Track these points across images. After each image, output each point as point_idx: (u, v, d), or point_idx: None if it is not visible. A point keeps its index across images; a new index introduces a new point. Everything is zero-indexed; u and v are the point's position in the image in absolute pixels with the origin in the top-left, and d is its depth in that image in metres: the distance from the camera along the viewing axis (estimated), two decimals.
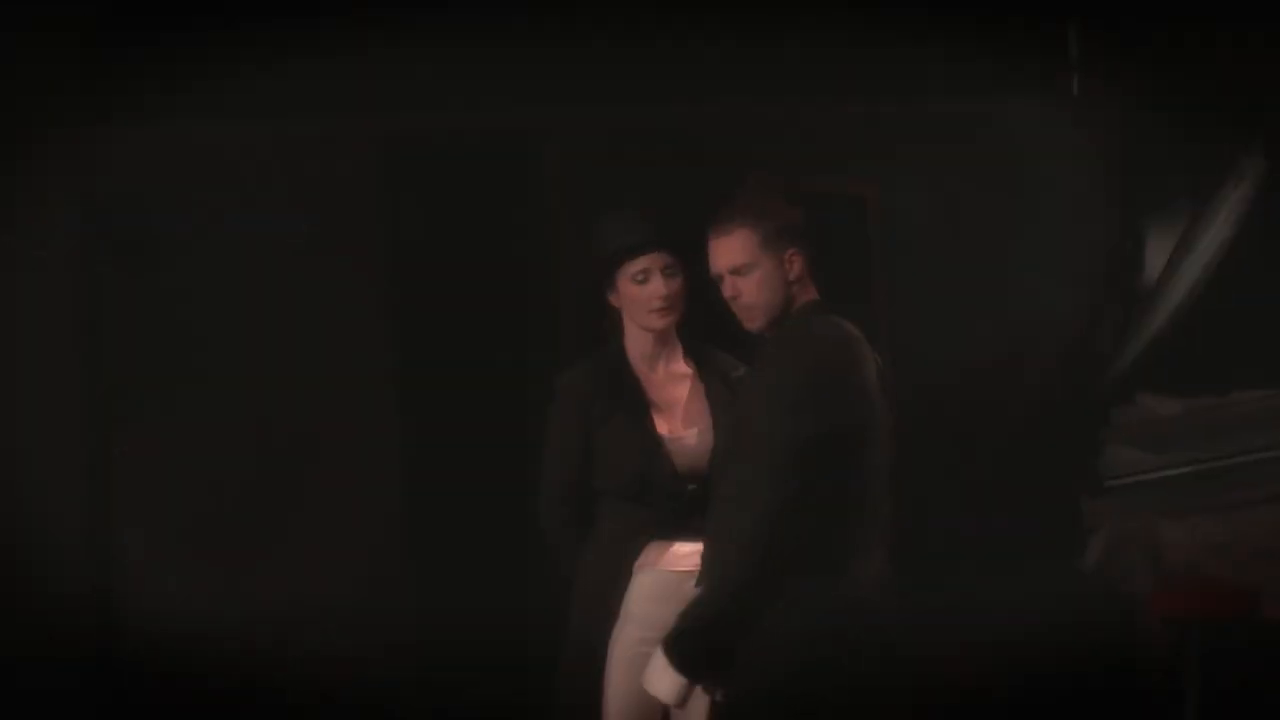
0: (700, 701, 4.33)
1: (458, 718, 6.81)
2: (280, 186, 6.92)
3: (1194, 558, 7.68)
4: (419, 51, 6.80)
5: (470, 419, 7.12)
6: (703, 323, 4.84)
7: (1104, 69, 7.46)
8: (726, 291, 4.43)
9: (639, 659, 4.54)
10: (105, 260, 6.85)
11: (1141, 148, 7.88)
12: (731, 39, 7.00)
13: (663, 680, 4.22)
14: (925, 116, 7.33)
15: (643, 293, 4.74)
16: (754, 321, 4.42)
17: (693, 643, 4.19)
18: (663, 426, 4.78)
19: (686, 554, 4.69)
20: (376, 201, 7.10)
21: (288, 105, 6.75)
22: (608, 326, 4.91)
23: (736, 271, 4.39)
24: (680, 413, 4.81)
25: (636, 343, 4.86)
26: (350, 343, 7.01)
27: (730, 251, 4.39)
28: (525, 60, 6.87)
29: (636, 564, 4.77)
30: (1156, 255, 8.00)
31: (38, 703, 6.59)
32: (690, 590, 4.46)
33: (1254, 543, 7.52)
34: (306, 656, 6.68)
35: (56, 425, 6.74)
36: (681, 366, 4.87)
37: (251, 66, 6.67)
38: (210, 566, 6.75)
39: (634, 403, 4.81)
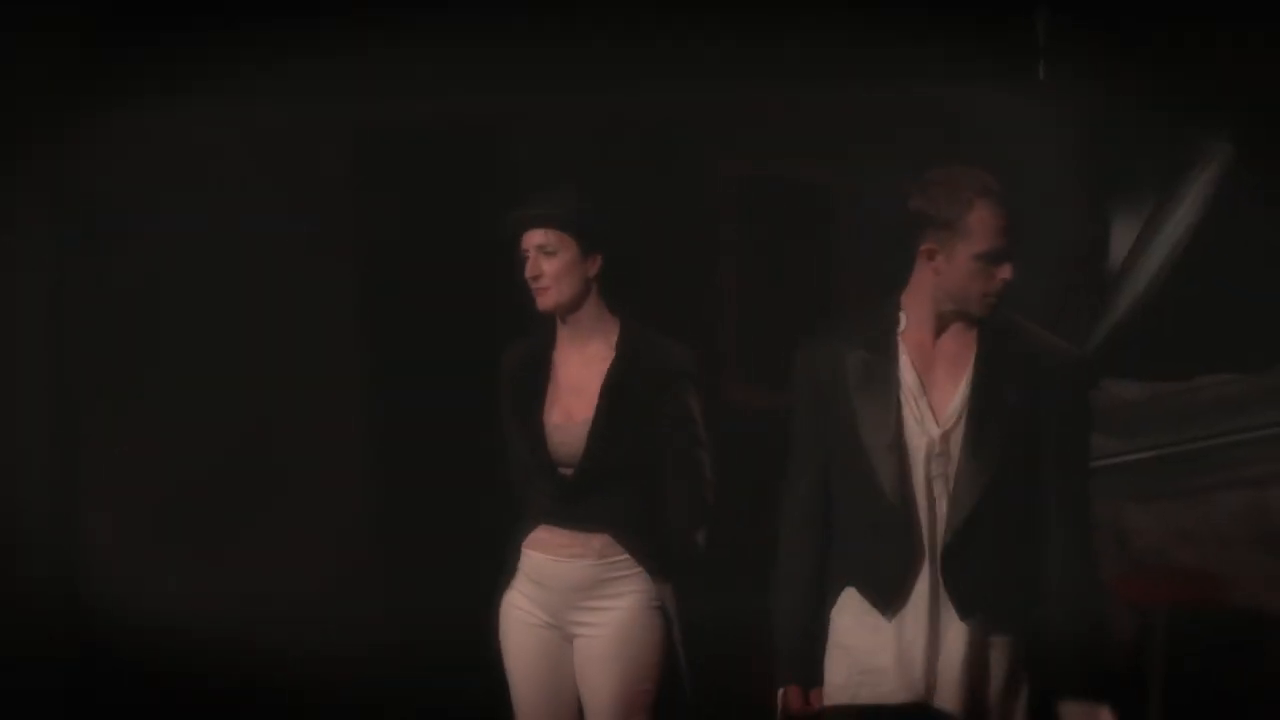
0: None
1: (427, 710, 6.79)
2: (249, 177, 6.88)
3: (1160, 543, 7.70)
4: (390, 40, 6.76)
5: (439, 409, 7.09)
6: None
7: (1071, 54, 7.44)
8: (1008, 275, 4.24)
9: (525, 628, 4.74)
10: (74, 250, 6.81)
11: (1109, 134, 7.88)
12: (698, 27, 6.97)
13: None
14: (891, 103, 7.31)
15: (526, 271, 4.71)
16: None
17: None
18: (559, 412, 4.73)
19: (561, 544, 4.68)
20: (347, 191, 7.06)
21: (257, 96, 6.70)
22: None
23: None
24: (586, 398, 4.75)
25: (562, 323, 4.82)
26: (320, 333, 6.99)
27: (1009, 228, 4.26)
28: (496, 49, 6.84)
29: (525, 543, 4.76)
30: (1123, 241, 8.01)
31: (4, 693, 6.56)
32: (563, 577, 4.62)
33: (1220, 528, 7.54)
34: (275, 648, 6.65)
35: (25, 417, 6.70)
36: (599, 350, 4.77)
37: (220, 58, 6.62)
38: (179, 558, 6.72)
39: (534, 386, 4.78)
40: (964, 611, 4.12)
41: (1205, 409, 7.69)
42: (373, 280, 7.12)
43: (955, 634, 4.12)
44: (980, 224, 4.12)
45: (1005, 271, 4.16)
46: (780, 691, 4.32)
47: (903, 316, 4.22)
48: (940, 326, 4.20)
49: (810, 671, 4.27)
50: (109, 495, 6.79)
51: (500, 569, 4.99)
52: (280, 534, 6.86)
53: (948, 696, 4.13)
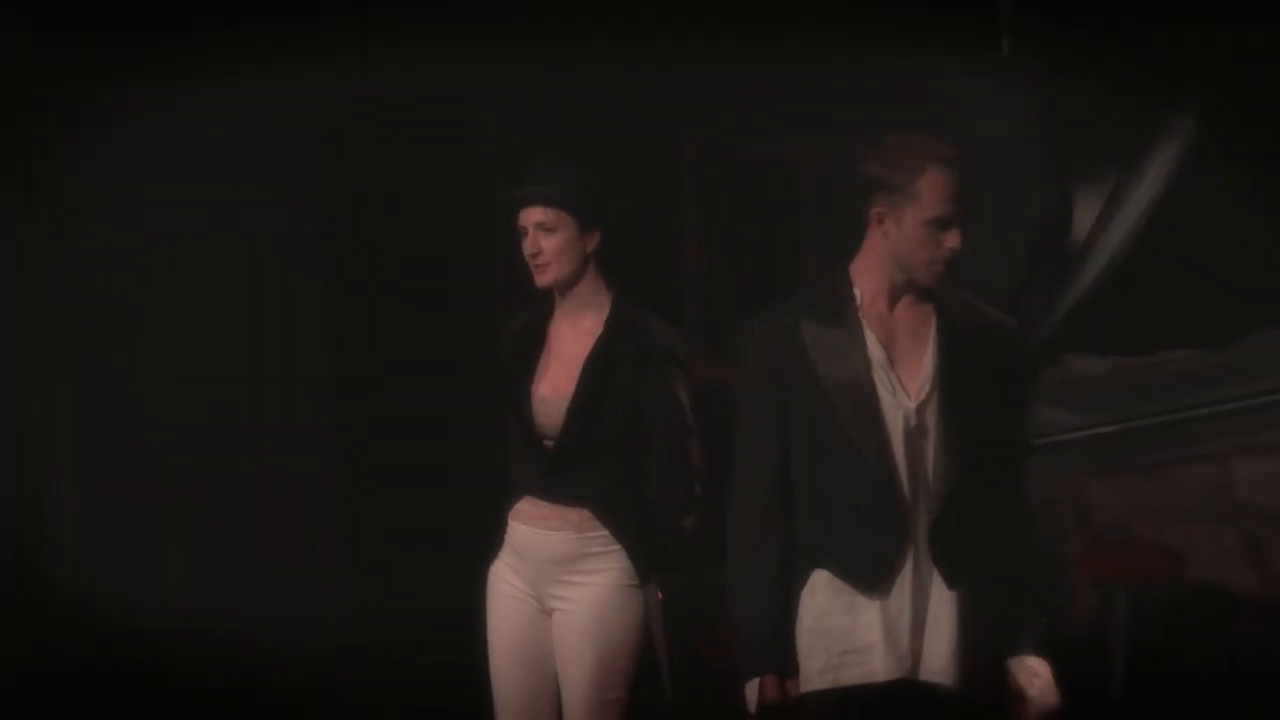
0: None
1: (392, 692, 6.79)
2: (216, 155, 6.85)
3: (1121, 518, 7.74)
4: (357, 16, 6.72)
5: (409, 389, 7.09)
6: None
7: (1034, 30, 7.44)
8: (955, 243, 4.18)
9: (507, 599, 4.74)
10: (40, 236, 6.77)
11: (1072, 109, 7.89)
12: (668, 4, 6.95)
13: None
14: (855, 80, 7.30)
15: (524, 249, 4.70)
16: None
17: None
18: (547, 385, 4.74)
19: (542, 515, 4.69)
20: (314, 169, 7.04)
21: (224, 72, 6.67)
22: None
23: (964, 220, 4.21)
24: (573, 372, 4.75)
25: (560, 298, 4.82)
26: (288, 313, 6.97)
27: (961, 195, 4.20)
28: (463, 24, 6.81)
29: (510, 514, 4.77)
30: (1086, 216, 8.03)
31: None
32: (542, 550, 4.64)
33: (1180, 503, 7.58)
34: (239, 630, 6.64)
35: None
36: (591, 325, 4.77)
37: (187, 34, 6.58)
38: (142, 539, 6.69)
39: (527, 357, 4.79)
40: (952, 581, 4.13)
41: (1167, 384, 7.73)
42: (341, 255, 7.10)
43: (943, 604, 4.14)
44: (931, 188, 4.10)
45: (953, 239, 4.12)
46: (754, 683, 4.25)
47: (857, 291, 4.21)
48: (894, 297, 4.19)
49: (784, 660, 4.22)
50: (75, 485, 6.76)
51: (475, 548, 4.98)
52: (249, 522, 6.84)
53: (935, 669, 4.15)
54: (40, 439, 6.78)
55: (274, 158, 6.93)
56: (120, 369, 6.79)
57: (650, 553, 4.63)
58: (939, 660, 4.14)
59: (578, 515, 4.65)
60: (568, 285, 4.70)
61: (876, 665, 4.14)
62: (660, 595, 4.67)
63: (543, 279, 4.70)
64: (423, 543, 7.05)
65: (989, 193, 7.66)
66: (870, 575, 4.14)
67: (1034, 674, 4.20)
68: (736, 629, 4.30)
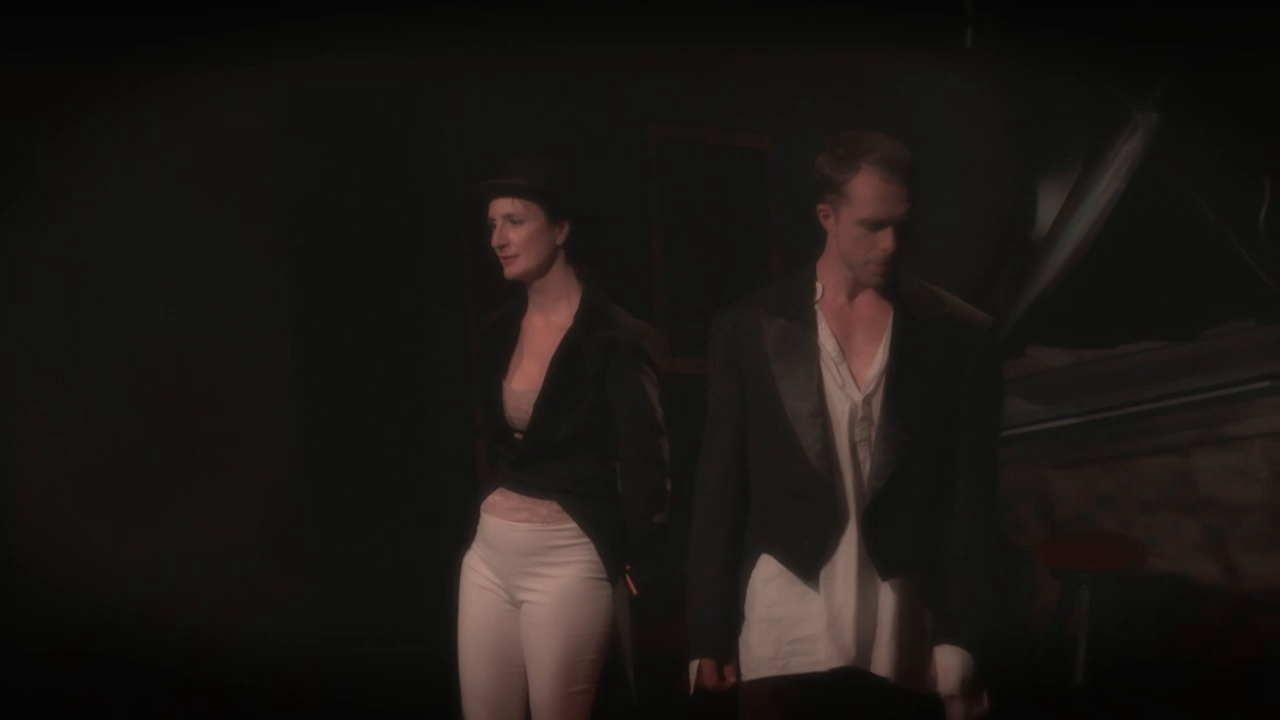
0: None
1: (358, 682, 6.78)
2: (173, 136, 6.82)
3: (1083, 509, 7.76)
4: (318, 2, 6.70)
5: (368, 369, 7.07)
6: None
7: (998, 23, 7.46)
8: (887, 246, 4.10)
9: (477, 590, 4.71)
10: None
11: (1036, 102, 7.91)
12: None
13: None
14: (820, 68, 7.31)
15: (493, 240, 4.69)
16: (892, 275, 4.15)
17: None
18: (519, 377, 4.73)
19: (512, 507, 4.69)
20: (271, 151, 7.01)
21: (182, 51, 6.63)
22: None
23: (903, 225, 4.09)
24: (542, 364, 4.74)
25: (532, 290, 4.81)
26: (246, 294, 6.94)
27: (903, 202, 4.07)
28: (426, 11, 6.79)
29: (483, 505, 4.77)
30: (1049, 208, 8.05)
31: None
32: (510, 542, 4.63)
33: (1142, 494, 7.60)
34: (202, 617, 6.62)
35: None
36: (563, 318, 4.75)
37: (142, 21, 6.54)
38: (103, 526, 6.67)
39: (500, 350, 4.78)
40: (886, 573, 4.15)
41: (1129, 376, 7.76)
42: (300, 237, 7.08)
43: (886, 596, 4.16)
44: (862, 189, 4.09)
45: (885, 241, 4.12)
46: (695, 664, 4.28)
47: (819, 285, 4.23)
48: (853, 292, 4.21)
49: (725, 644, 4.25)
50: (36, 473, 6.73)
51: (440, 538, 4.97)
52: (213, 511, 6.82)
53: (880, 660, 4.17)
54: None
55: (232, 146, 6.90)
56: (81, 356, 6.76)
57: (619, 547, 4.63)
58: (882, 652, 4.16)
59: (547, 508, 4.64)
60: (536, 276, 4.69)
61: (820, 655, 4.16)
62: (635, 591, 4.67)
63: (511, 270, 4.68)
64: (387, 533, 7.04)
65: (953, 185, 7.75)
66: (807, 563, 4.16)
67: (947, 670, 4.21)
68: (689, 611, 4.33)
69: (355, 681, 6.73)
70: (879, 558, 4.14)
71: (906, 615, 4.17)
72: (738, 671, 4.26)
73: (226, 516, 6.81)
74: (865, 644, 4.16)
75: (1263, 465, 7.36)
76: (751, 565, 4.25)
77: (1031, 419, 7.97)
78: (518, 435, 4.68)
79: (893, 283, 4.18)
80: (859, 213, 4.07)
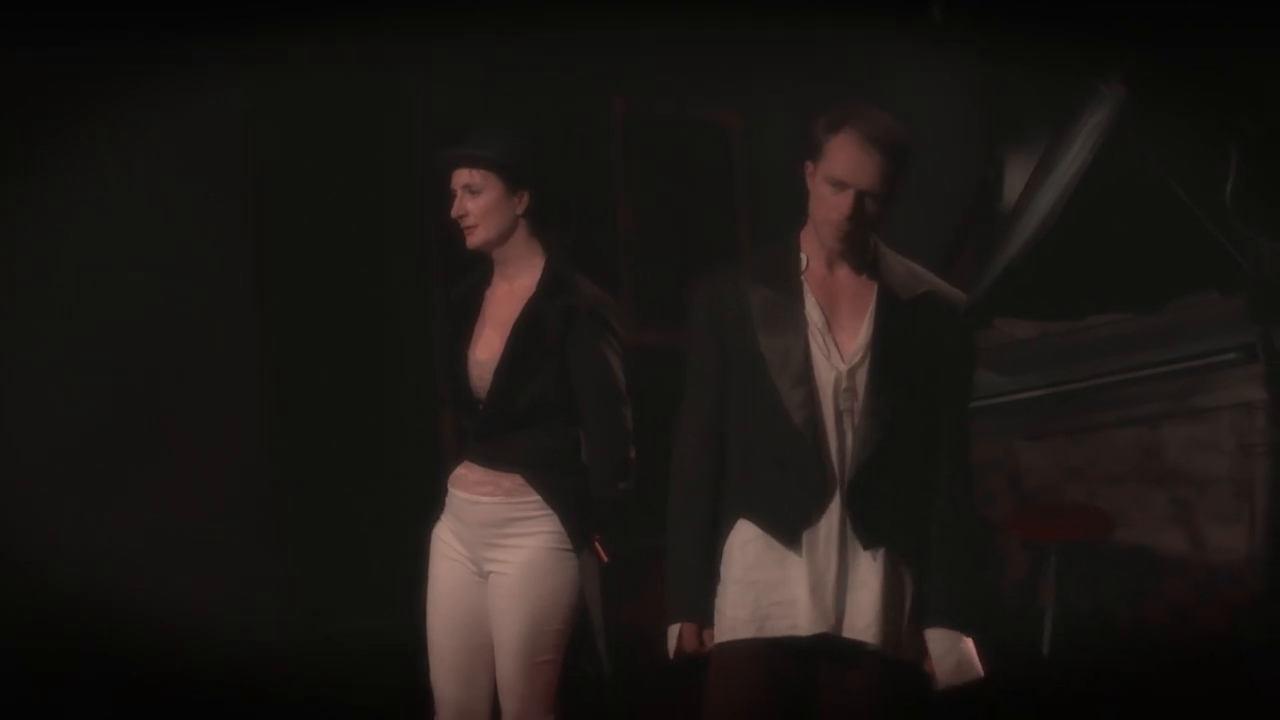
0: None
1: (322, 646, 6.79)
2: (137, 116, 6.80)
3: (1052, 480, 7.79)
4: None
5: (335, 345, 7.07)
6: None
7: None
8: (844, 208, 4.13)
9: (446, 561, 4.72)
10: None
11: (1003, 75, 7.93)
12: None
13: None
14: (787, 44, 7.32)
15: (452, 211, 4.70)
16: (852, 243, 4.15)
17: None
18: (482, 347, 4.74)
19: (477, 480, 4.70)
20: (237, 129, 7.00)
21: (151, 32, 6.61)
22: None
23: (871, 194, 4.10)
24: (505, 334, 4.75)
25: (496, 260, 4.81)
26: (212, 272, 6.92)
27: (874, 173, 4.10)
28: None
29: (451, 477, 4.78)
30: (1016, 181, 8.07)
31: None
32: (476, 514, 4.63)
33: (1110, 466, 7.63)
34: (167, 586, 6.62)
35: None
36: (526, 287, 4.72)
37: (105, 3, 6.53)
38: (70, 498, 6.65)
39: (464, 320, 4.79)
40: (868, 542, 4.18)
41: (1096, 348, 7.78)
42: (268, 217, 7.07)
43: (867, 564, 4.19)
44: (837, 149, 4.11)
45: (844, 203, 4.15)
46: (675, 629, 4.29)
47: (803, 256, 4.25)
48: (830, 261, 4.23)
49: (705, 608, 4.26)
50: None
51: (406, 511, 4.98)
52: (178, 486, 6.81)
53: (859, 628, 4.21)
54: None
55: (197, 125, 6.88)
56: (46, 335, 6.74)
57: (584, 517, 4.64)
58: (863, 619, 4.18)
59: (511, 481, 4.65)
60: (497, 245, 4.70)
61: (800, 619, 4.18)
62: (606, 559, 4.68)
63: (472, 240, 4.69)
64: (355, 506, 7.04)
65: (920, 158, 7.76)
66: (789, 529, 4.18)
67: (945, 653, 4.23)
68: (667, 577, 4.35)
69: (324, 654, 6.73)
70: (862, 527, 4.16)
71: (888, 583, 4.19)
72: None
73: (194, 492, 6.80)
74: (844, 610, 4.19)
75: (1229, 437, 7.38)
76: (728, 530, 4.26)
77: (999, 391, 7.99)
78: (482, 406, 4.70)
79: (869, 256, 4.22)
80: (828, 169, 4.11)
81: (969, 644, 4.24)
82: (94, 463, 6.65)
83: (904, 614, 4.22)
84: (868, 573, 4.19)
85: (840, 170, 4.10)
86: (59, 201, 6.60)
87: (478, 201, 4.64)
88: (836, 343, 4.20)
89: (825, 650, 4.19)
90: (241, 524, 6.88)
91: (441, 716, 4.78)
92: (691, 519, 4.29)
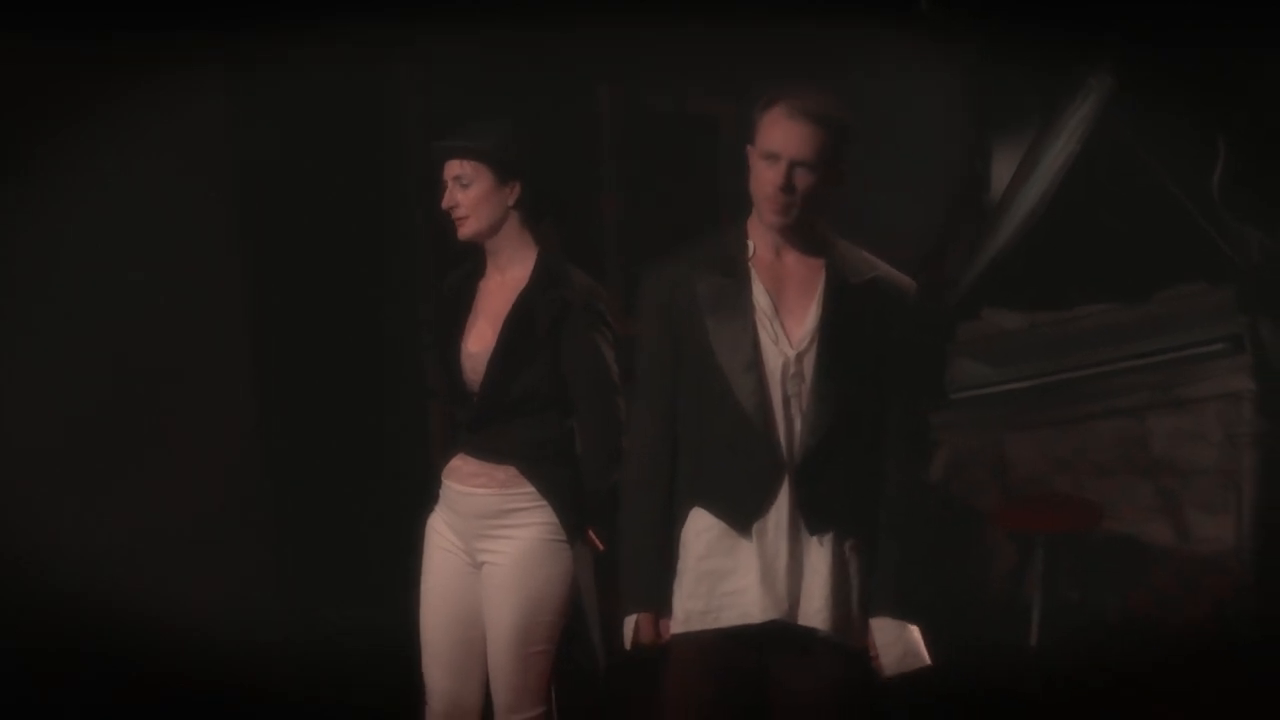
0: None
1: (315, 638, 6.78)
2: (127, 109, 6.78)
3: (1039, 471, 7.79)
4: None
5: (326, 337, 7.06)
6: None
7: None
8: (776, 180, 4.16)
9: (440, 552, 4.74)
10: None
11: (991, 66, 7.93)
12: None
13: None
14: (776, 33, 7.30)
15: (443, 203, 4.70)
16: (789, 218, 4.18)
17: None
18: (474, 339, 4.74)
19: (471, 472, 4.70)
20: (228, 121, 6.98)
21: (150, 32, 6.59)
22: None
23: (802, 164, 4.13)
24: (497, 326, 4.75)
25: (488, 252, 4.81)
26: (203, 264, 6.90)
27: (803, 142, 4.13)
28: None
29: (445, 469, 4.79)
30: (1004, 172, 8.07)
31: None
32: (470, 506, 4.65)
33: (1097, 457, 7.64)
34: (160, 579, 6.61)
35: None
36: (518, 279, 4.74)
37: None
38: (61, 492, 6.64)
39: (456, 312, 4.79)
40: (815, 528, 4.20)
41: (1084, 339, 7.79)
42: (257, 210, 7.05)
43: (817, 550, 4.21)
44: (767, 124, 4.15)
45: (777, 175, 4.16)
46: (631, 620, 4.33)
47: (750, 243, 4.27)
48: (780, 249, 4.25)
49: (661, 597, 4.29)
50: None
51: (400, 503, 4.98)
52: (171, 480, 6.79)
53: (811, 613, 4.22)
54: None
55: (188, 119, 6.87)
56: (37, 329, 6.72)
57: (578, 508, 4.64)
58: (813, 605, 4.19)
59: (504, 473, 4.65)
60: (488, 237, 4.70)
61: (752, 606, 4.20)
62: (603, 547, 4.69)
63: (463, 231, 4.70)
64: (346, 498, 7.03)
65: (908, 149, 7.76)
66: (741, 514, 4.20)
67: (891, 642, 4.25)
68: (621, 568, 4.38)
69: (316, 646, 6.74)
70: (810, 513, 4.19)
71: (838, 569, 4.22)
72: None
73: (186, 485, 6.78)
74: (796, 597, 4.21)
75: (1217, 428, 7.39)
76: (683, 519, 4.28)
77: (986, 382, 8.01)
78: (475, 398, 4.70)
79: (816, 241, 4.24)
80: (760, 145, 4.15)
81: (915, 633, 4.27)
82: (93, 462, 6.64)
83: (853, 601, 4.25)
84: (818, 559, 4.21)
85: (770, 143, 4.14)
86: (59, 201, 6.58)
87: (468, 193, 4.64)
88: (785, 328, 4.23)
89: (780, 638, 4.22)
90: (239, 522, 6.87)
91: (433, 707, 4.80)
92: (645, 508, 4.33)
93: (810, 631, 4.19)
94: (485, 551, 4.67)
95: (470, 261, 4.81)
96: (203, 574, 6.61)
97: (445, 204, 4.68)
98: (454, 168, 4.67)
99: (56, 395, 6.54)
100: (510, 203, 4.67)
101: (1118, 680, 6.52)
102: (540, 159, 4.72)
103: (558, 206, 4.77)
